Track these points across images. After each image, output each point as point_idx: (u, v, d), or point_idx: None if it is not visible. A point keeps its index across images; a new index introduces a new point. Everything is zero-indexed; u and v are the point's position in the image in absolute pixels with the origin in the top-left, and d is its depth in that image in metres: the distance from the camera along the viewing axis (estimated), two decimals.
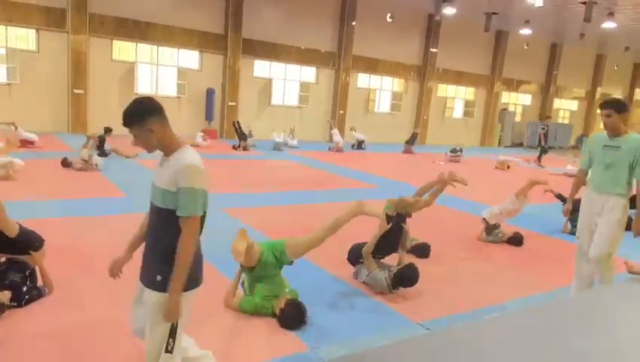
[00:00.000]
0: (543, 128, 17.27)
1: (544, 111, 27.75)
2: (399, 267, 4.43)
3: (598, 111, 4.48)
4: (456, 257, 5.76)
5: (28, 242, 3.68)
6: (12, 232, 3.53)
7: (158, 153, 2.34)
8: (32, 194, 7.11)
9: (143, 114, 2.22)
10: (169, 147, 2.28)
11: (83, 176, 8.90)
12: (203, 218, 2.33)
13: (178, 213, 2.21)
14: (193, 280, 2.34)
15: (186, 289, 2.27)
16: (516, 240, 6.37)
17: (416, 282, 4.32)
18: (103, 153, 10.47)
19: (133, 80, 16.38)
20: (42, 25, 14.71)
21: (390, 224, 4.57)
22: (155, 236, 2.33)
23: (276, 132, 16.40)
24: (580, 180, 4.57)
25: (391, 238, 4.61)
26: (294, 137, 17.05)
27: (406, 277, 4.29)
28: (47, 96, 15.14)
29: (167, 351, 2.30)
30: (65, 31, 14.91)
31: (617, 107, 4.06)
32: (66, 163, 9.33)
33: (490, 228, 6.45)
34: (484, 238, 6.46)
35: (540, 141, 17.59)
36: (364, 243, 4.60)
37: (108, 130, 11.00)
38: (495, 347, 2.42)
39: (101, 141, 10.64)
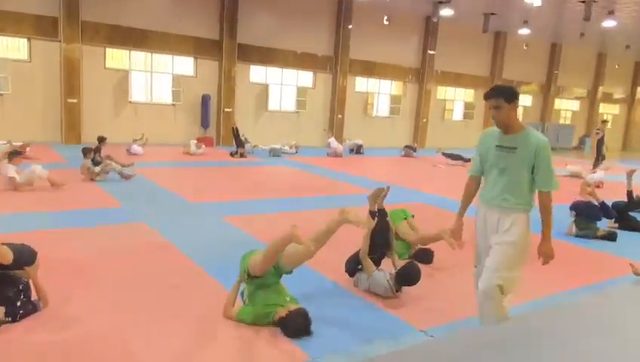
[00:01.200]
0: (597, 133, 15.50)
1: (545, 112, 27.85)
2: (399, 267, 4.44)
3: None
4: (459, 261, 5.74)
5: (20, 262, 3.68)
6: (6, 261, 3.54)
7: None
8: (29, 206, 7.11)
9: None
10: None
11: (80, 185, 8.91)
12: None
13: None
14: None
15: None
16: None
17: (418, 280, 4.31)
18: (96, 162, 10.44)
19: (127, 88, 16.43)
20: (34, 34, 14.75)
21: (375, 219, 4.60)
22: None
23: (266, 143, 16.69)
24: (469, 190, 3.66)
25: (380, 234, 4.63)
26: (297, 151, 16.98)
27: (408, 275, 4.28)
28: (39, 106, 15.15)
29: None
30: (57, 40, 14.96)
31: (507, 95, 3.20)
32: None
33: None
34: None
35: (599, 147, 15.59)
36: (358, 252, 4.62)
37: (102, 140, 11.00)
38: (499, 352, 2.41)
39: (96, 150, 10.62)
